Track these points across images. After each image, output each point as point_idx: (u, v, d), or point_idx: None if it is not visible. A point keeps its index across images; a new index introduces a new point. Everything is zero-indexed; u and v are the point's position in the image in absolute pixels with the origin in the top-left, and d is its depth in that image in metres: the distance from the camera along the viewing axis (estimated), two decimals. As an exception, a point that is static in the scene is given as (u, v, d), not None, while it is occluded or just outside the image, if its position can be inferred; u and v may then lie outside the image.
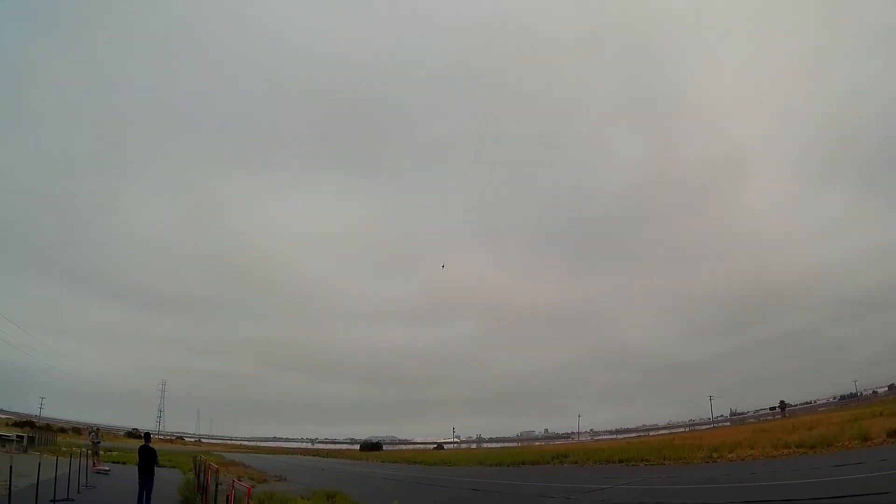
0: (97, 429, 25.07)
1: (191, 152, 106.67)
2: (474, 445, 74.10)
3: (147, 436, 10.78)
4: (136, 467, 9.70)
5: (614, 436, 62.65)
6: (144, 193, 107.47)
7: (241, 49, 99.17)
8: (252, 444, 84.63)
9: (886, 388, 49.49)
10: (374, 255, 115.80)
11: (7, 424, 39.51)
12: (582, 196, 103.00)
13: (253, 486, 11.04)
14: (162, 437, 74.38)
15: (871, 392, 50.61)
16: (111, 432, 57.18)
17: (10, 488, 8.30)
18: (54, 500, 9.13)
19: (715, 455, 15.90)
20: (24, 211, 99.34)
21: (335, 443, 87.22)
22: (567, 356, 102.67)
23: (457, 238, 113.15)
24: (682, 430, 56.03)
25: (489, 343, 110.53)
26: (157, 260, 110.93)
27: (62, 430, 47.20)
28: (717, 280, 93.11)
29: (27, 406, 64.59)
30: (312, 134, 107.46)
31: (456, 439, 79.92)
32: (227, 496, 6.30)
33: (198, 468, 13.99)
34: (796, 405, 54.44)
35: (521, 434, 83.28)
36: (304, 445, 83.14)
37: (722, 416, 63.78)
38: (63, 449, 23.06)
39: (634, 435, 57.56)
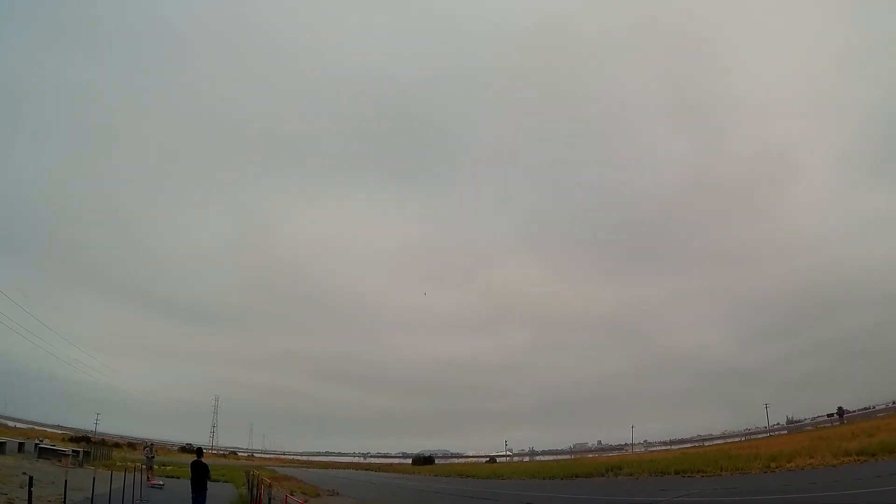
0: (151, 444, 25.37)
1: (242, 168, 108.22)
2: (527, 458, 73.61)
3: (199, 451, 10.83)
4: (190, 482, 9.73)
5: (668, 446, 61.75)
6: (197, 209, 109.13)
7: (289, 65, 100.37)
8: (305, 458, 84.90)
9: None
10: (423, 266, 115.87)
11: (63, 439, 40.17)
12: (629, 199, 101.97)
13: (306, 501, 11.02)
14: (215, 451, 75.04)
15: (931, 395, 49.19)
16: (165, 447, 57.82)
17: (64, 502, 8.36)
18: (109, 515, 9.19)
19: (773, 465, 15.56)
20: (77, 229, 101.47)
21: (387, 457, 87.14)
22: (619, 364, 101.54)
23: (506, 246, 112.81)
24: (738, 439, 55.04)
25: (541, 352, 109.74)
26: (209, 275, 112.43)
27: (117, 445, 47.81)
28: (770, 282, 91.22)
29: (83, 421, 65.76)
30: (360, 148, 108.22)
31: (508, 452, 79.44)
32: (280, 510, 6.28)
33: (250, 482, 14.04)
34: (854, 411, 53.18)
35: (574, 446, 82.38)
36: (356, 459, 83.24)
37: (778, 423, 62.50)
38: (118, 464, 23.33)
39: (689, 445, 56.74)
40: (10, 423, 49.45)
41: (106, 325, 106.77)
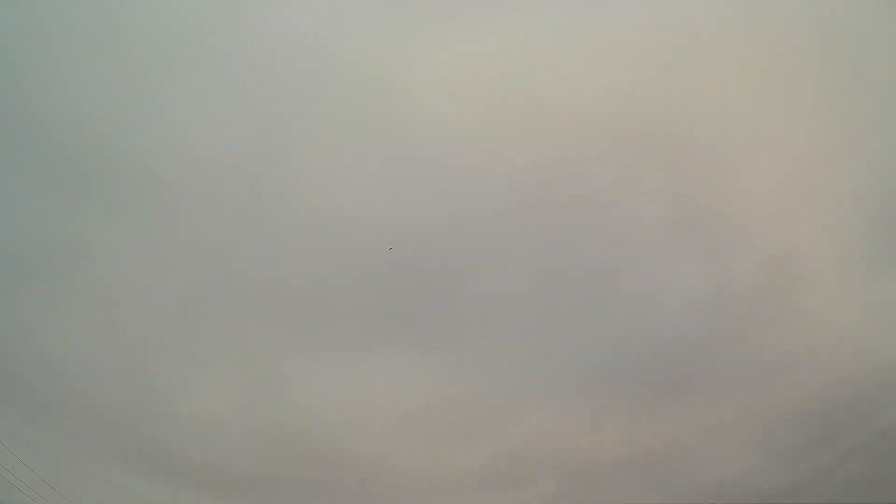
0: None
1: (253, 331, 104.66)
2: None
3: None
4: None
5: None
6: (206, 372, 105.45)
7: (293, 224, 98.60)
8: None
9: None
10: (438, 425, 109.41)
11: None
12: (645, 335, 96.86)
13: None
14: None
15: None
16: None
17: None
18: None
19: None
20: (85, 390, 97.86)
21: None
22: None
23: (523, 398, 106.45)
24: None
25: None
26: (219, 440, 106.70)
27: None
28: (793, 395, 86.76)
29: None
30: (368, 307, 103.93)
31: None
32: None
33: None
34: (898, 511, 50.63)
35: None
36: None
37: (827, 538, 59.17)
38: None
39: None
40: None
41: (111, 486, 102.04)
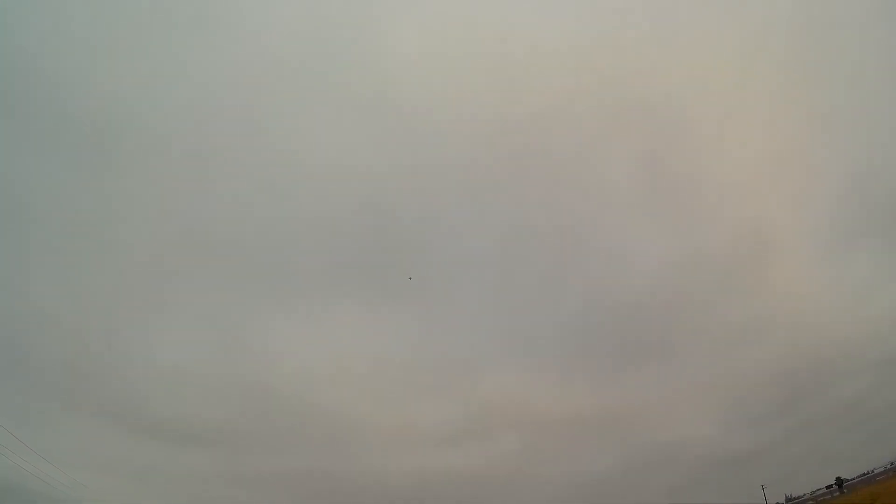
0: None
1: (221, 283, 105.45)
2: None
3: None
4: None
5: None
6: (173, 324, 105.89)
7: (261, 175, 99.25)
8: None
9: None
10: (405, 379, 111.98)
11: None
12: (611, 295, 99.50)
13: None
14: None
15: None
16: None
17: None
18: None
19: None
20: (49, 341, 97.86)
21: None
22: (612, 464, 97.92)
23: (491, 354, 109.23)
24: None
25: (531, 459, 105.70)
26: (185, 392, 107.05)
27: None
28: (757, 363, 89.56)
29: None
30: (336, 260, 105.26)
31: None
32: None
33: None
34: (854, 479, 52.81)
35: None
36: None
37: (778, 503, 61.08)
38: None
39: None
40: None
41: (77, 440, 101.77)
